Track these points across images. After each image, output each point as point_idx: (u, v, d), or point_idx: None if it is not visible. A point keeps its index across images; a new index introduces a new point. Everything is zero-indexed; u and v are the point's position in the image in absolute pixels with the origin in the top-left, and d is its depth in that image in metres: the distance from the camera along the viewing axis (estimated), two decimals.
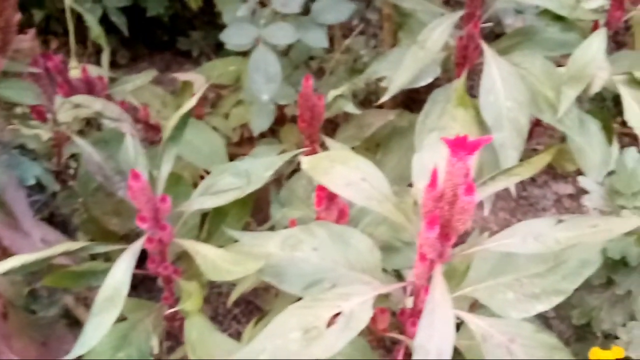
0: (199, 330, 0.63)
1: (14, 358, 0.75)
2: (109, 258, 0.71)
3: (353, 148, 1.04)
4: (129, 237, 0.78)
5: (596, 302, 0.70)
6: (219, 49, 1.39)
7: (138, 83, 0.88)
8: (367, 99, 1.18)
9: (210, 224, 0.75)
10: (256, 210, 0.94)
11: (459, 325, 0.60)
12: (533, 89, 0.87)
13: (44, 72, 0.78)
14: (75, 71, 0.91)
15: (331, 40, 1.25)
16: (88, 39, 1.38)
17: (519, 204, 1.21)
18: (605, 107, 1.19)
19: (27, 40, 0.74)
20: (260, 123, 0.87)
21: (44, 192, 0.76)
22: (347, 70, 1.06)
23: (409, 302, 0.65)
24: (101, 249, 0.62)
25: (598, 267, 0.63)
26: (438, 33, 0.83)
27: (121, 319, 0.62)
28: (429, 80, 0.90)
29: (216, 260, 0.57)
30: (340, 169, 0.57)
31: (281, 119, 1.13)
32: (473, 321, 0.57)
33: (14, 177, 0.70)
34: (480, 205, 0.97)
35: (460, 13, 0.85)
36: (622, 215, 0.69)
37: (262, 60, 0.79)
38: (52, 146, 0.80)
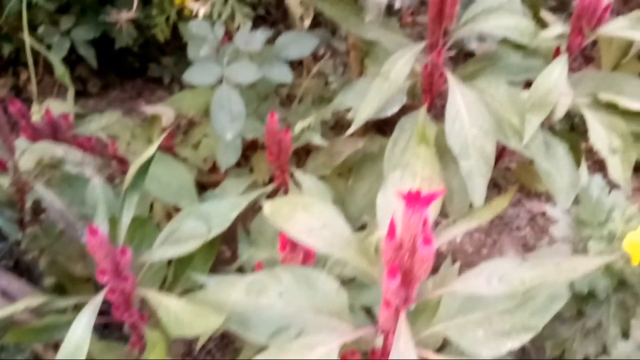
0: None
1: None
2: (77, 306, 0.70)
3: (324, 176, 1.04)
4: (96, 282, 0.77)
5: (568, 333, 0.70)
6: None
7: (103, 123, 0.87)
8: (339, 123, 1.18)
9: (175, 268, 0.74)
10: (229, 238, 0.93)
11: None
12: (498, 115, 0.87)
13: (4, 118, 0.77)
14: (37, 116, 0.89)
15: (301, 64, 1.25)
16: None
17: (493, 224, 1.21)
18: (574, 124, 1.20)
19: None
20: (227, 159, 0.87)
21: (7, 240, 0.75)
22: (316, 99, 1.06)
23: (379, 342, 0.65)
24: (62, 303, 0.61)
25: (568, 299, 0.64)
26: (401, 64, 0.83)
27: None
28: (395, 109, 0.90)
29: (178, 313, 0.56)
30: (302, 215, 0.57)
31: (253, 146, 1.13)
32: None
33: None
34: None
35: (423, 43, 0.86)
36: (589, 245, 0.69)
37: (226, 99, 0.78)
38: (15, 192, 0.78)
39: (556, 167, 0.89)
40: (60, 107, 1.01)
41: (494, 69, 0.95)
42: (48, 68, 1.31)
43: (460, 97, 0.85)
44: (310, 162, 1.04)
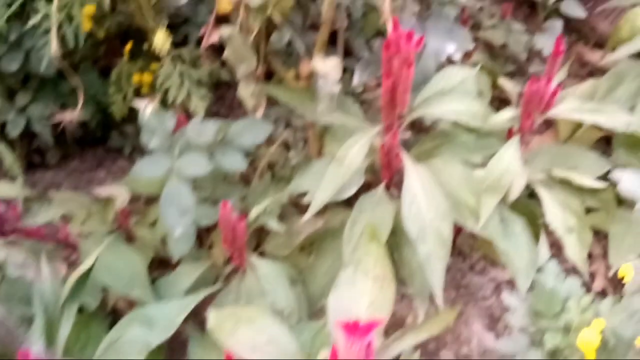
0: None
1: None
2: None
3: (286, 256, 1.02)
4: None
5: None
6: None
7: (50, 215, 0.85)
8: (300, 198, 1.17)
9: None
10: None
11: None
12: (454, 196, 0.87)
13: None
14: None
15: None
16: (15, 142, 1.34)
17: (459, 294, 1.20)
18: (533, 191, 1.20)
19: None
20: (179, 249, 0.85)
21: None
22: (276, 175, 1.05)
23: None
24: None
25: None
26: (356, 150, 0.83)
27: None
28: (352, 191, 0.89)
29: None
30: (245, 331, 0.55)
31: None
32: None
33: None
34: None
35: (378, 127, 0.86)
36: (545, 339, 0.68)
37: (176, 193, 0.77)
38: None
39: (514, 246, 0.88)
40: (10, 190, 0.98)
41: (450, 146, 0.95)
42: None
43: (416, 180, 0.84)
44: (270, 241, 1.02)
